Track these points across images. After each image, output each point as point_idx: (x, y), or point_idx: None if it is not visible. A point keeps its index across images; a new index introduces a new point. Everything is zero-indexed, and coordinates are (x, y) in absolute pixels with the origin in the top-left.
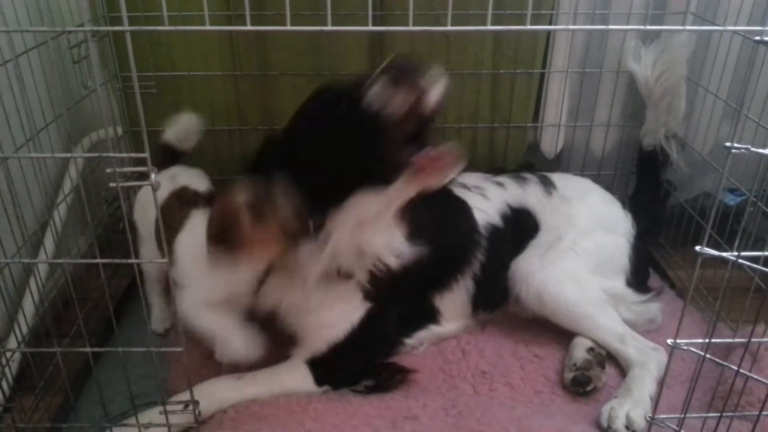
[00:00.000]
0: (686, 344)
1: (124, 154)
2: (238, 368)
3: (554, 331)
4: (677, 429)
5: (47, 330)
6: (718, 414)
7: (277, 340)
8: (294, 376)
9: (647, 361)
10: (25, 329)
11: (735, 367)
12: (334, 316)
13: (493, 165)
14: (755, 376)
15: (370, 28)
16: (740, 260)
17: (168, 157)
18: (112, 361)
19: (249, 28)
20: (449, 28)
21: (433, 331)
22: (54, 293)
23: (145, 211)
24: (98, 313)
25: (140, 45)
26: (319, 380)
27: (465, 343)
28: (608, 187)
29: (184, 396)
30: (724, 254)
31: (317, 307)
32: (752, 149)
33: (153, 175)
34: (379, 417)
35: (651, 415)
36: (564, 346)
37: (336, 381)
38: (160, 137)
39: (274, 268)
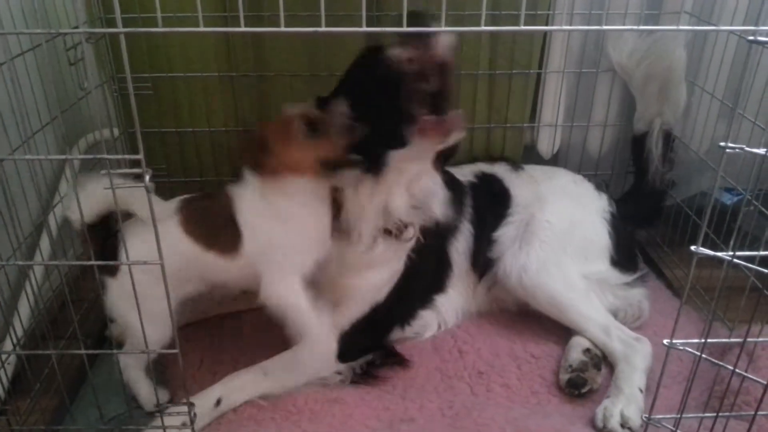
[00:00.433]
0: (682, 344)
1: (119, 156)
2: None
3: (551, 331)
4: (674, 429)
5: (43, 332)
6: (715, 414)
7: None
8: (318, 350)
9: (631, 354)
10: (20, 331)
11: (731, 367)
12: (383, 277)
13: None
14: (751, 376)
15: (364, 29)
16: (735, 260)
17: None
18: (107, 363)
19: (243, 29)
20: (443, 29)
21: (438, 306)
22: (50, 295)
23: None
24: (94, 315)
25: (137, 46)
26: (341, 354)
27: (462, 343)
28: (601, 184)
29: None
30: (719, 254)
31: (367, 266)
32: (747, 149)
33: (147, 177)
34: (376, 418)
35: (648, 416)
36: (561, 345)
37: (352, 354)
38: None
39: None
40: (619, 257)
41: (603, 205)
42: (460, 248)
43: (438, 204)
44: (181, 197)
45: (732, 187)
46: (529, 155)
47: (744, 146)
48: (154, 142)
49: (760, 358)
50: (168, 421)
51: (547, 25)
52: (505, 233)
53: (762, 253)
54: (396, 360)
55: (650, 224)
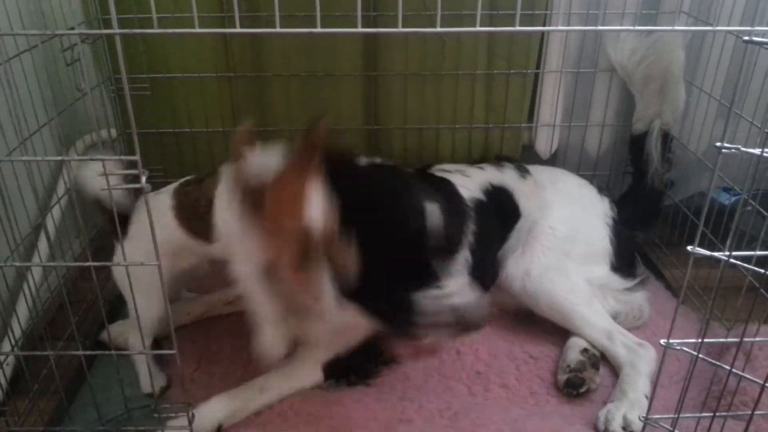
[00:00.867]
0: (679, 344)
1: (115, 157)
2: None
3: (549, 332)
4: (671, 429)
5: (41, 333)
6: (712, 414)
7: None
8: (307, 377)
9: (636, 360)
10: (18, 333)
11: (728, 367)
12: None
13: None
14: (748, 376)
15: (360, 30)
16: (732, 260)
17: None
18: (105, 364)
19: (238, 30)
20: (439, 29)
21: None
22: (48, 296)
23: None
24: (92, 316)
25: (134, 47)
26: (328, 375)
27: (460, 344)
28: (603, 186)
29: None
30: (715, 254)
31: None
32: (743, 149)
33: (144, 178)
34: (373, 419)
35: (644, 416)
36: (559, 346)
37: (342, 374)
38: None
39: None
40: (620, 262)
41: (605, 210)
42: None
43: None
44: (179, 182)
45: (730, 187)
46: (527, 155)
47: (740, 146)
48: (152, 143)
49: (757, 357)
50: (168, 424)
51: (544, 25)
52: (509, 243)
53: (759, 253)
54: (388, 358)
55: (648, 225)
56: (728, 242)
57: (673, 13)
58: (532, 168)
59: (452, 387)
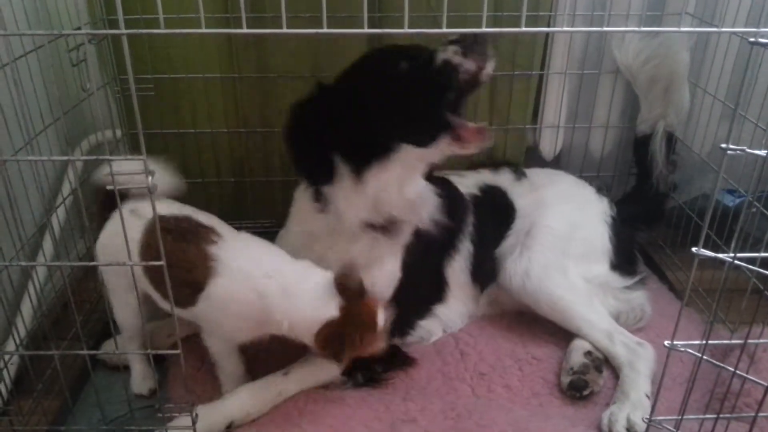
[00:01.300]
0: (683, 345)
1: (120, 157)
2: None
3: (552, 333)
4: (675, 430)
5: (45, 333)
6: (716, 415)
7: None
8: (328, 371)
9: (635, 359)
10: (23, 332)
11: (732, 369)
12: (378, 274)
13: None
14: (752, 378)
15: (366, 30)
16: (737, 261)
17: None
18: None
19: (244, 31)
20: (444, 30)
21: (439, 315)
22: (52, 296)
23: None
24: (96, 316)
25: (139, 47)
26: (342, 372)
27: (463, 345)
28: (607, 188)
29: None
30: (719, 255)
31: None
32: (748, 150)
33: (150, 178)
34: (377, 419)
35: (648, 417)
36: (562, 347)
37: (351, 373)
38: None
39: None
40: (620, 260)
41: (604, 209)
42: (459, 266)
43: (428, 208)
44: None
45: (734, 189)
46: (531, 157)
47: (745, 148)
48: (156, 144)
49: (761, 359)
50: (171, 424)
51: (549, 26)
52: (507, 242)
53: (763, 254)
54: (400, 361)
55: (652, 226)
56: (732, 244)
57: (678, 15)
58: (529, 171)
59: (456, 388)
